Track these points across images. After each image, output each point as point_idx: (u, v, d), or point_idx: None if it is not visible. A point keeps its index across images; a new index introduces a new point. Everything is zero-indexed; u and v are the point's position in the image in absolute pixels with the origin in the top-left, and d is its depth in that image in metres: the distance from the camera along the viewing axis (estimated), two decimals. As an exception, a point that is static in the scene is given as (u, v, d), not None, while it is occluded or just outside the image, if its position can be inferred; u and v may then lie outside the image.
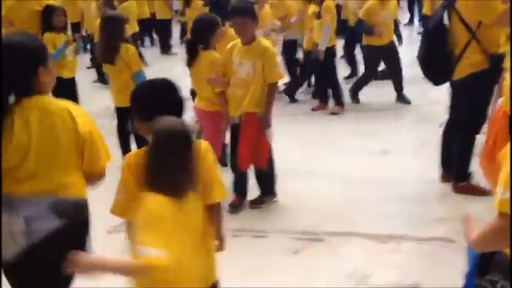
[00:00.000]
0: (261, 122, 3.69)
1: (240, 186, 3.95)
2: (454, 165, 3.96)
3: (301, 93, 6.92)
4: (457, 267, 1.84)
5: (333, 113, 6.11)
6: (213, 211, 2.02)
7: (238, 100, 3.71)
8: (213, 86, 3.86)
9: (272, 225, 3.70)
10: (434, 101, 5.67)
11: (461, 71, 3.76)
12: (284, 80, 5.90)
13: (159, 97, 1.97)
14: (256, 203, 3.96)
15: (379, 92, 6.64)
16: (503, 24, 3.64)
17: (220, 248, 2.12)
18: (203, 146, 2.00)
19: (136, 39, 8.40)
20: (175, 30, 11.08)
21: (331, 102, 6.28)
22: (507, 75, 3.00)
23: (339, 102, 6.21)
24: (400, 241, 3.38)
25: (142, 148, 1.96)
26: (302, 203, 3.96)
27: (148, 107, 1.95)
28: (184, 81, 7.13)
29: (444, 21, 3.82)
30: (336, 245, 3.40)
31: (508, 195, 1.51)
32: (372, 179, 4.23)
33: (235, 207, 3.89)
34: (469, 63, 3.72)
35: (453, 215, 3.56)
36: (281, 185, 4.04)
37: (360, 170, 4.45)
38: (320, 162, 4.64)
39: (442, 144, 4.08)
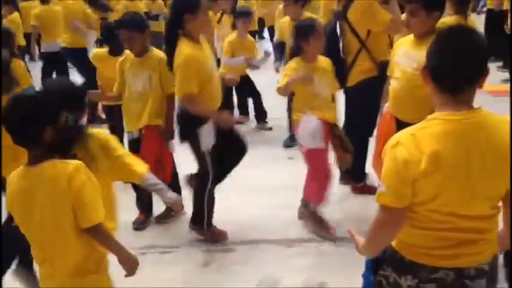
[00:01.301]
0: (165, 135, 3.63)
1: (143, 202, 3.85)
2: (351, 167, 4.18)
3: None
4: (360, 264, 1.93)
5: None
6: (92, 235, 1.95)
7: (136, 114, 3.62)
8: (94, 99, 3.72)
9: (181, 240, 3.66)
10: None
11: (353, 78, 3.98)
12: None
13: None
14: (163, 218, 3.89)
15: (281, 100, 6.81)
16: (392, 31, 3.92)
17: (129, 272, 2.07)
18: (72, 165, 1.90)
19: (23, 53, 7.89)
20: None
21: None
22: (391, 81, 3.24)
23: (244, 112, 6.29)
24: (306, 244, 3.50)
25: None
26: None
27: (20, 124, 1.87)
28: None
29: (337, 31, 4.02)
30: (246, 254, 3.44)
31: (384, 188, 1.64)
32: (277, 186, 4.33)
33: (140, 224, 3.79)
34: (361, 71, 3.95)
35: (353, 215, 3.75)
36: (188, 198, 3.99)
37: (266, 178, 4.53)
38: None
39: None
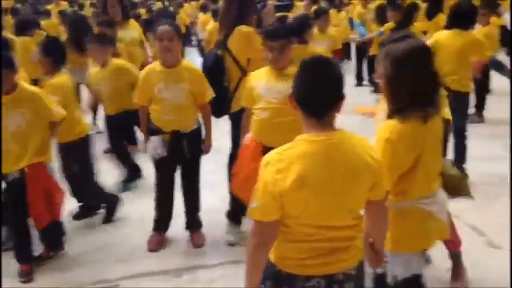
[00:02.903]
0: None
1: (26, 250, 3.51)
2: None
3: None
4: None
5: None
6: None
7: (15, 155, 3.36)
8: None
9: (61, 281, 3.44)
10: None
11: (236, 105, 4.07)
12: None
13: None
14: (41, 260, 3.61)
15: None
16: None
17: None
18: None
19: None
20: None
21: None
22: (257, 111, 3.39)
23: (134, 142, 6.13)
24: (194, 271, 3.47)
25: None
26: (92, 251, 3.78)
27: None
28: None
29: (219, 59, 4.10)
30: (131, 289, 3.31)
31: (255, 204, 1.77)
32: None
33: (26, 276, 3.45)
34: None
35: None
36: (68, 234, 3.79)
37: (146, 208, 4.28)
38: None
39: (228, 174, 4.32)
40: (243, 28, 3.93)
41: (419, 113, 2.06)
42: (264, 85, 3.30)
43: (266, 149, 3.16)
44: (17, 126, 3.35)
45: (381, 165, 1.85)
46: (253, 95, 3.38)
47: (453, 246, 3.13)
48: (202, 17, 11.31)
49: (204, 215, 4.02)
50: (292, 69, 3.17)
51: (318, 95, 1.77)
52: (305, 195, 1.71)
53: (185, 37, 12.05)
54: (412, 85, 2.06)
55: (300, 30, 4.17)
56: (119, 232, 4.05)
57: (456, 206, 3.88)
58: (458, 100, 4.46)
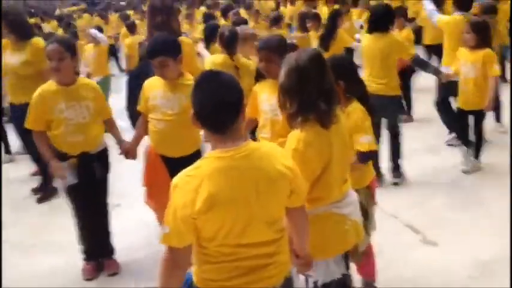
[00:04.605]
0: None
1: None
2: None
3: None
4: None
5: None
6: None
7: None
8: None
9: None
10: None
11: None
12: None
13: None
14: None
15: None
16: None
17: None
18: None
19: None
20: None
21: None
22: (154, 122, 3.24)
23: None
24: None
25: None
26: (20, 284, 3.50)
27: None
28: None
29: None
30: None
31: (167, 230, 1.69)
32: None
33: None
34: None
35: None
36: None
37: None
38: (39, 232, 4.22)
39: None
40: (184, 39, 3.82)
41: (313, 120, 2.03)
42: (161, 96, 3.17)
43: (165, 159, 3.23)
44: None
45: (296, 172, 1.81)
46: (148, 105, 3.25)
47: (366, 273, 3.03)
48: (124, 30, 10.91)
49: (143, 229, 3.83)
50: (187, 78, 3.11)
51: (216, 111, 1.68)
52: (218, 214, 1.64)
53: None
54: (300, 94, 2.04)
55: (230, 43, 4.20)
56: (54, 260, 3.78)
57: (392, 205, 4.03)
58: (390, 103, 4.56)
